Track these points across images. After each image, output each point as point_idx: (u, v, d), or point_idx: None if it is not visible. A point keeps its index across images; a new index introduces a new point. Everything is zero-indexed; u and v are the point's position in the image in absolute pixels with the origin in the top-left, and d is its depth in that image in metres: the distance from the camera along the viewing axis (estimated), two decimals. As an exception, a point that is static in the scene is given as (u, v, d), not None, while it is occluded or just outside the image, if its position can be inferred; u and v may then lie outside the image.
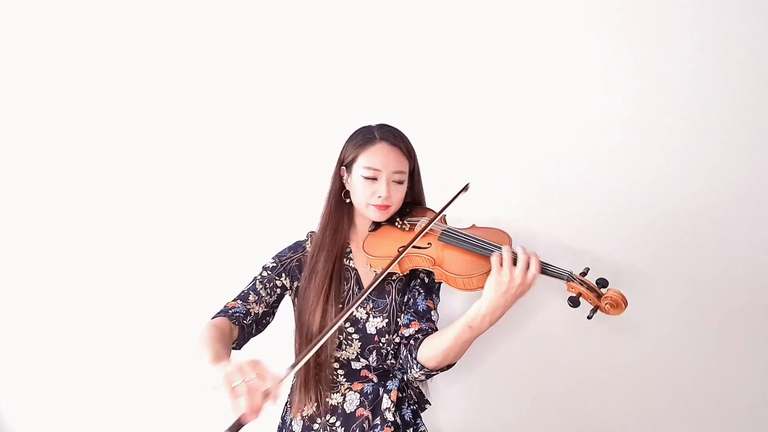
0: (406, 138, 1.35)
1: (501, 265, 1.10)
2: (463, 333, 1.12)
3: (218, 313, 1.27)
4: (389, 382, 1.33)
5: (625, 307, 1.08)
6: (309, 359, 1.28)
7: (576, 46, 1.81)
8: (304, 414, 1.34)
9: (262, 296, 1.32)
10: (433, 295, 1.35)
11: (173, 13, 1.86)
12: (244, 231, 1.91)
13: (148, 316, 1.96)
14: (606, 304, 1.09)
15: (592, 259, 1.86)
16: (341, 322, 1.11)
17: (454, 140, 1.84)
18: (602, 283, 1.11)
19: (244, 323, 1.26)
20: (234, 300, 1.30)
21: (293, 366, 1.00)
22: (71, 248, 1.96)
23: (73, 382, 2.00)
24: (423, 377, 1.22)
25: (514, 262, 1.10)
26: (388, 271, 1.26)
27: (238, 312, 1.26)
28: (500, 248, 1.14)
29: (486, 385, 1.94)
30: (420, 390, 1.44)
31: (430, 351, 1.18)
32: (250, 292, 1.32)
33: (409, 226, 1.34)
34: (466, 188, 1.35)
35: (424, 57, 1.84)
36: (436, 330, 1.28)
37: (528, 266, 1.09)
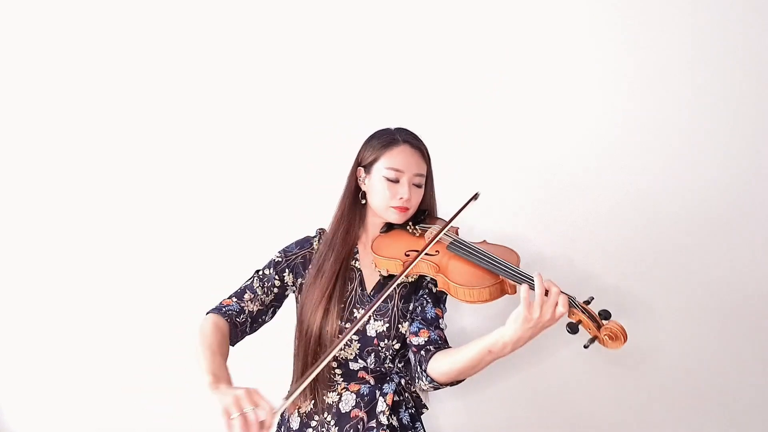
0: (424, 143, 1.37)
1: (530, 300, 1.04)
2: (482, 356, 1.10)
3: (212, 309, 1.29)
4: (386, 385, 1.33)
5: (625, 341, 1.05)
6: (309, 358, 1.29)
7: (576, 46, 1.81)
8: (302, 411, 1.35)
9: (258, 294, 1.33)
10: (441, 305, 1.34)
11: (180, 12, 1.88)
12: (247, 229, 1.92)
13: (148, 315, 1.96)
14: (605, 335, 1.06)
15: (593, 259, 1.86)
16: (340, 346, 1.11)
17: (454, 142, 1.84)
18: (605, 315, 1.08)
19: (237, 321, 1.27)
20: (229, 297, 1.32)
21: (287, 397, 1.04)
22: (71, 248, 1.95)
23: (73, 381, 1.99)
24: (431, 389, 1.22)
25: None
26: (390, 274, 1.27)
27: (231, 310, 1.28)
28: (527, 277, 1.10)
29: (486, 389, 1.92)
30: (417, 394, 1.43)
31: (443, 367, 1.17)
32: (246, 290, 1.33)
33: (420, 231, 1.34)
34: (475, 197, 1.32)
35: (424, 60, 1.84)
36: (445, 338, 1.28)
37: (556, 304, 1.05)
